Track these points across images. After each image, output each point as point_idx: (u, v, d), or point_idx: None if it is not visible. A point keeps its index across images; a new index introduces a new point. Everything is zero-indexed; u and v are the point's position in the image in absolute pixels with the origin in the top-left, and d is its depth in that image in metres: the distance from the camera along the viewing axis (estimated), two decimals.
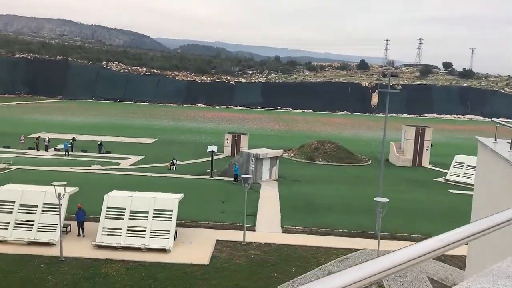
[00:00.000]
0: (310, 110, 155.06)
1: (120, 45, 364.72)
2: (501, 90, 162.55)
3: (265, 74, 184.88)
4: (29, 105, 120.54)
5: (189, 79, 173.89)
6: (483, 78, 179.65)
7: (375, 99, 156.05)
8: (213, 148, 40.75)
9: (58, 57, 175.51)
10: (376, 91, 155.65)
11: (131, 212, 22.76)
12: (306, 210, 30.01)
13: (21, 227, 22.36)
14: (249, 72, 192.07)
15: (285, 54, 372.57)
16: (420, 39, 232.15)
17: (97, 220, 23.32)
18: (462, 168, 41.96)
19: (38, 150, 48.82)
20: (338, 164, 48.96)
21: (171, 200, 23.35)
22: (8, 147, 48.54)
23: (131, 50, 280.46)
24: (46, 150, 48.93)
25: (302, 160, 50.23)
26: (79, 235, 23.41)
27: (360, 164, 50.24)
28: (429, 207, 32.24)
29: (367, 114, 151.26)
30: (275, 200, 32.31)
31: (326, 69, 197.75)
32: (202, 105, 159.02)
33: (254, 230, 25.50)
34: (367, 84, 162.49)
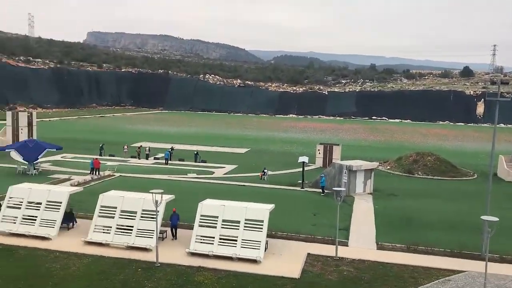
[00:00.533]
0: (408, 120, 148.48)
1: (216, 58, 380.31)
2: None
3: (359, 83, 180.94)
4: (132, 116, 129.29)
5: (281, 89, 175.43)
6: None
7: (480, 109, 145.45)
8: (305, 158, 40.22)
9: (159, 70, 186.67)
10: (482, 99, 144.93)
11: (223, 221, 22.97)
12: (404, 226, 28.30)
13: (121, 232, 23.54)
14: (342, 81, 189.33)
15: (382, 62, 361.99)
16: None
17: (191, 227, 23.87)
18: None
19: (139, 158, 51.81)
20: (439, 178, 45.90)
21: (262, 210, 23.22)
22: (113, 155, 52.09)
23: (227, 62, 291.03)
24: (146, 158, 51.76)
25: (399, 173, 47.84)
26: (173, 238, 24.21)
27: (464, 178, 46.66)
28: None
29: (472, 124, 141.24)
30: (369, 215, 30.91)
31: (426, 77, 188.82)
32: (294, 116, 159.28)
33: (347, 245, 24.48)
34: (471, 93, 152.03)
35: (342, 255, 22.76)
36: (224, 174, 44.83)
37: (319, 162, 51.10)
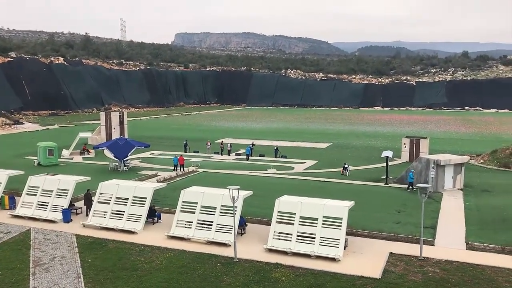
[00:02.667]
0: (506, 110, 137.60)
1: (299, 52, 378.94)
2: None
3: (450, 72, 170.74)
4: (216, 113, 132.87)
5: (365, 81, 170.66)
6: None
7: None
8: (388, 153, 38.58)
9: (242, 68, 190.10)
10: None
11: (301, 217, 22.66)
12: (498, 226, 26.06)
13: (201, 227, 24.13)
14: (431, 70, 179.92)
15: (476, 49, 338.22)
16: None
17: (269, 223, 23.85)
18: None
19: (222, 154, 52.99)
20: None
21: (341, 207, 22.57)
22: (197, 152, 53.82)
23: (309, 56, 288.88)
24: (228, 154, 52.82)
25: (494, 167, 44.31)
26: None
27: None
28: None
29: None
30: (458, 212, 28.89)
31: None
32: (380, 108, 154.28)
33: (433, 245, 23.03)
34: None
35: (427, 255, 21.47)
36: (304, 169, 44.42)
37: (404, 156, 48.84)
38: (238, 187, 21.36)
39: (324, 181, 38.43)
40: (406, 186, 35.58)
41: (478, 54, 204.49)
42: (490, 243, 22.87)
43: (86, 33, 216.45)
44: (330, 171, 42.98)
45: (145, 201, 26.05)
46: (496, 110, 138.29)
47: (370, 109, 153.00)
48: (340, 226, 21.98)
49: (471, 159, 45.96)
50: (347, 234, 22.94)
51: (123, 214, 25.84)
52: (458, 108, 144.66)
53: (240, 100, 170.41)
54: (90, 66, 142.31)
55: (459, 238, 24.00)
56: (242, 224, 24.72)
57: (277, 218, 23.15)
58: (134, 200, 26.26)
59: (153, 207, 27.12)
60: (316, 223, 22.31)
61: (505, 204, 30.41)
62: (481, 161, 46.59)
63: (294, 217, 22.77)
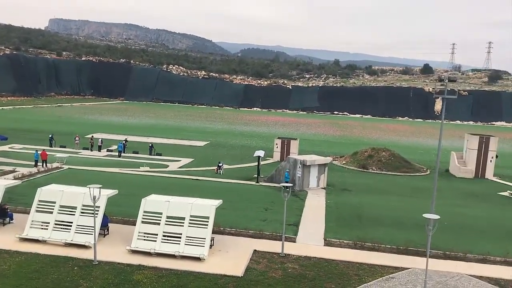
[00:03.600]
0: (369, 116, 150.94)
1: (182, 49, 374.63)
2: None
3: (322, 78, 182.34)
4: (91, 106, 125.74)
5: (246, 82, 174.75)
6: None
7: (438, 106, 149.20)
8: (260, 153, 39.82)
9: (121, 60, 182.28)
10: (440, 97, 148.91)
11: (168, 217, 22.23)
12: (353, 222, 28.30)
13: (60, 228, 22.44)
14: (306, 76, 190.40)
15: (346, 58, 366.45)
16: (490, 43, 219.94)
17: (135, 223, 23.00)
18: None
19: (91, 150, 50.15)
20: (393, 173, 46.51)
21: (208, 206, 22.60)
22: (64, 147, 50.25)
23: (193, 54, 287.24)
24: (99, 150, 50.17)
25: (354, 168, 48.20)
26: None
27: (417, 174, 47.43)
28: (490, 224, 29.46)
29: (430, 120, 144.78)
30: (320, 210, 30.81)
31: (388, 74, 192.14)
32: (258, 109, 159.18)
33: (295, 241, 24.22)
34: (430, 90, 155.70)
35: (288, 251, 22.46)
36: (179, 167, 43.92)
37: (276, 156, 50.87)
38: (100, 185, 20.24)
39: (198, 179, 38.34)
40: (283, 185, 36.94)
41: (347, 63, 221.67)
42: (345, 239, 24.69)
43: None
44: (206, 170, 43.06)
45: None
46: (361, 115, 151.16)
47: (249, 109, 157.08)
48: (207, 225, 22.00)
49: (334, 160, 49.50)
50: (215, 232, 23.06)
51: None
52: (328, 112, 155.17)
53: (118, 93, 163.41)
54: None
55: (318, 234, 25.53)
56: (106, 225, 23.51)
57: (143, 218, 22.41)
58: None
59: (4, 207, 24.56)
60: (183, 223, 22.07)
61: (361, 202, 33.19)
62: (343, 162, 50.37)
63: (160, 217, 22.25)
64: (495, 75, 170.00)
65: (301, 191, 35.81)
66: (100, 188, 19.99)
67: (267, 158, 50.21)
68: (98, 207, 21.26)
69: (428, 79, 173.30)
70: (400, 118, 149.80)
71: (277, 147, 51.04)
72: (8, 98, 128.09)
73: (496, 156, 46.86)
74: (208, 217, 22.16)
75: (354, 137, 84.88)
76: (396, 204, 33.65)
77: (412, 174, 47.00)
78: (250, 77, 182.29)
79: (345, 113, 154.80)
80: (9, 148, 48.17)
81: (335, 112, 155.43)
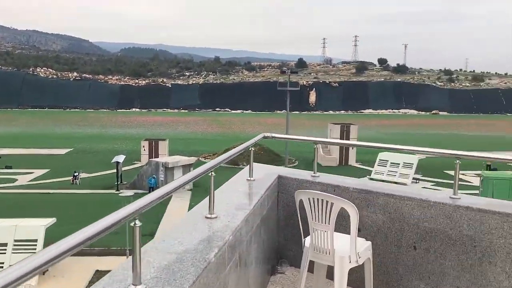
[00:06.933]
0: (249, 111, 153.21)
1: (56, 50, 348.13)
2: (433, 84, 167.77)
3: (203, 76, 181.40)
4: None
5: (122, 82, 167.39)
6: (416, 72, 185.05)
7: (313, 97, 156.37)
8: (120, 158, 37.04)
9: None
10: (314, 89, 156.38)
11: None
12: None
13: None
14: (186, 73, 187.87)
15: (229, 55, 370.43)
16: (356, 36, 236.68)
17: None
18: (386, 166, 40.58)
19: None
20: None
21: (36, 227, 19.64)
22: None
23: (66, 55, 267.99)
24: None
25: (225, 165, 47.23)
26: None
27: (288, 166, 48.04)
28: None
29: (306, 112, 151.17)
30: (181, 214, 29.10)
31: (265, 69, 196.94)
32: (137, 110, 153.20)
33: None
34: (304, 83, 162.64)
35: None
36: (30, 181, 39.27)
37: (144, 159, 48.04)
38: None
39: (48, 193, 34.39)
40: (148, 192, 34.56)
41: (229, 60, 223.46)
42: None
43: None
44: (61, 181, 39.03)
45: None
46: (242, 111, 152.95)
47: (127, 110, 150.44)
48: (35, 249, 19.06)
49: (206, 159, 48.24)
50: None
51: None
52: (210, 110, 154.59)
53: None
54: None
55: None
56: None
57: None
58: None
59: None
60: (5, 250, 18.88)
61: None
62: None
63: None
64: (362, 67, 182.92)
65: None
66: None
67: (135, 162, 47.43)
68: None
69: (302, 73, 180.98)
70: (278, 112, 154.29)
71: (144, 150, 48.37)
72: None
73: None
74: (37, 239, 19.24)
75: (232, 133, 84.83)
76: None
77: (283, 166, 47.45)
78: (127, 77, 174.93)
79: (226, 109, 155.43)
80: None
81: (216, 109, 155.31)
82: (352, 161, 48.01)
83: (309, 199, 3.42)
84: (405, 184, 38.47)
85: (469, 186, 37.46)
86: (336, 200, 3.31)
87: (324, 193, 3.45)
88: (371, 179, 40.92)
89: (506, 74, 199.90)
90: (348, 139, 47.28)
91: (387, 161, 40.38)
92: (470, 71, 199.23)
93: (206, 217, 3.14)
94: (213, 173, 3.07)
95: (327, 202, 3.31)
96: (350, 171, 45.42)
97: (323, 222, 3.34)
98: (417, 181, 39.38)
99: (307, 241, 3.56)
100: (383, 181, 39.70)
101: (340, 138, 47.37)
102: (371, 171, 44.67)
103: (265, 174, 4.66)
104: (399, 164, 39.39)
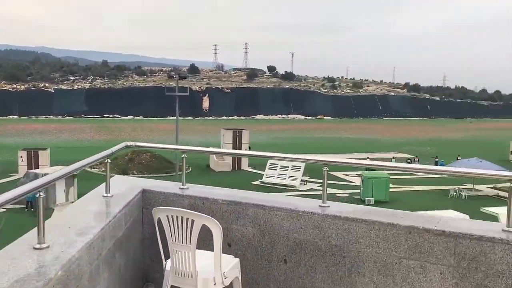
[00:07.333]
0: (141, 116, 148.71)
1: None
2: (318, 91, 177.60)
3: (89, 80, 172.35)
4: None
5: None
6: (303, 80, 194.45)
7: (206, 103, 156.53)
8: None
9: None
10: (207, 94, 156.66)
11: None
12: None
13: None
14: (71, 78, 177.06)
15: (118, 59, 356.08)
16: (246, 44, 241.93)
17: None
18: (276, 170, 41.67)
19: None
20: (155, 175, 45.13)
21: None
22: None
23: None
24: None
25: (115, 173, 45.03)
26: None
27: (180, 173, 47.16)
28: None
29: (199, 118, 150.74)
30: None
31: (157, 74, 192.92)
32: (16, 117, 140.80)
33: None
34: (197, 88, 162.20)
35: None
36: None
37: (23, 171, 44.01)
38: None
39: None
40: (24, 206, 31.38)
41: (118, 64, 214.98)
42: None
43: None
44: None
45: None
46: (132, 116, 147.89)
47: (4, 118, 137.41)
48: None
49: (93, 168, 45.55)
50: None
51: None
52: (98, 116, 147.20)
53: None
54: None
55: None
56: None
57: None
58: None
59: None
60: None
61: None
62: (103, 168, 46.82)
63: None
64: (252, 73, 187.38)
65: (47, 209, 31.01)
66: None
67: (11, 174, 43.31)
68: None
69: (195, 78, 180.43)
70: (171, 117, 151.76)
71: (22, 160, 44.29)
72: None
73: (249, 148, 49.93)
74: None
75: (120, 140, 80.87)
76: None
77: (174, 173, 46.46)
78: (3, 81, 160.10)
79: (116, 115, 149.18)
80: None
81: (105, 115, 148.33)
82: (244, 165, 48.60)
83: (167, 216, 3.04)
84: (294, 187, 39.90)
85: (353, 186, 39.94)
86: (197, 216, 2.98)
87: (184, 209, 3.11)
88: (263, 182, 41.82)
89: (381, 81, 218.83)
90: (240, 144, 47.84)
91: (277, 164, 41.49)
92: (351, 79, 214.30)
93: (35, 248, 2.59)
94: (41, 193, 2.54)
95: (187, 219, 2.97)
96: (243, 176, 45.94)
97: (183, 242, 2.99)
98: (305, 182, 40.94)
99: (168, 264, 3.18)
100: (274, 184, 40.85)
101: (233, 143, 47.79)
102: (263, 174, 45.64)
103: (127, 188, 4.19)
104: (288, 167, 40.66)
